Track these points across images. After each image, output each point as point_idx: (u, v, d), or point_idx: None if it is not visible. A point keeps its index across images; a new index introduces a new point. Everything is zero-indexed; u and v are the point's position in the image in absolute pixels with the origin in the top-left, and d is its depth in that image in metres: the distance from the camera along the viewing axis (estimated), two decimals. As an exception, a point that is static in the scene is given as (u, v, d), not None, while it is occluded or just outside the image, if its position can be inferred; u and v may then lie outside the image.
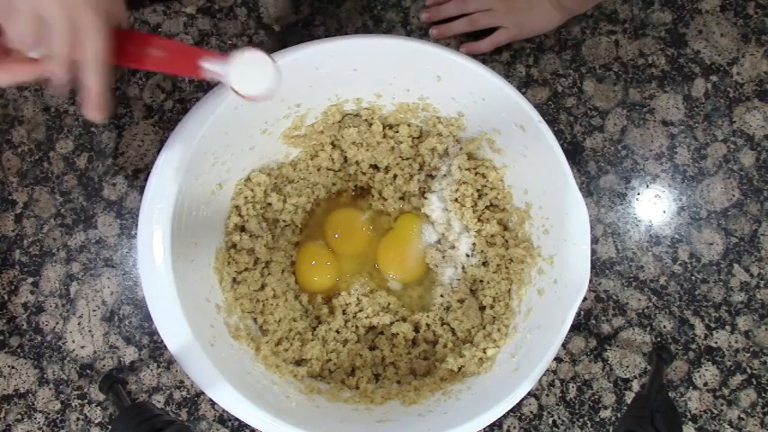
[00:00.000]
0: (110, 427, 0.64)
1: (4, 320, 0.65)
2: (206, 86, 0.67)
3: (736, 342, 0.67)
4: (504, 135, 0.58)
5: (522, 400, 0.53)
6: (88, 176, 0.66)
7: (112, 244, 0.66)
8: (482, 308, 0.62)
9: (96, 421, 0.64)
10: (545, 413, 0.66)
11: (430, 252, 0.64)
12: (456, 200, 0.62)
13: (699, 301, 0.68)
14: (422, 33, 0.69)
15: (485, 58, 0.69)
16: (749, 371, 0.67)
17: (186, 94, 0.67)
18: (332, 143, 0.63)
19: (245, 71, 0.43)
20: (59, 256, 0.66)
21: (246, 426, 0.64)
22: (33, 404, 0.64)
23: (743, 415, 0.67)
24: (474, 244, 0.63)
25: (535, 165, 0.56)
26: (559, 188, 0.53)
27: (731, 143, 0.69)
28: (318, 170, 0.64)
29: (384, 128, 0.63)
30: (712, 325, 0.67)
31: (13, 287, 0.65)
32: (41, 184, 0.66)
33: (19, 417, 0.64)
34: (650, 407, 0.53)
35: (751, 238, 0.68)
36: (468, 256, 0.63)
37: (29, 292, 0.65)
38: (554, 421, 0.66)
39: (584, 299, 0.64)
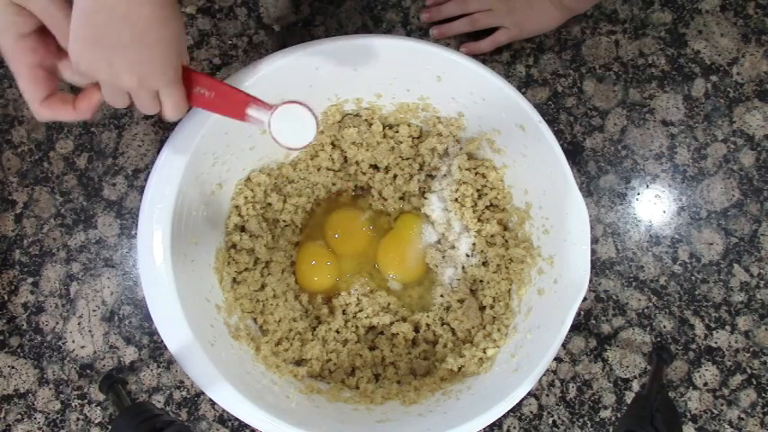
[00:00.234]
0: (110, 427, 0.64)
1: (4, 320, 0.65)
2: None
3: (736, 342, 0.67)
4: (504, 135, 0.58)
5: (522, 400, 0.53)
6: (88, 176, 0.66)
7: (112, 244, 0.66)
8: (482, 308, 0.62)
9: (96, 421, 0.64)
10: (545, 413, 0.66)
11: (430, 252, 0.64)
12: (456, 200, 0.62)
13: (699, 301, 0.68)
14: (422, 33, 0.69)
15: (485, 58, 0.69)
16: (749, 371, 0.67)
17: (186, 94, 0.67)
18: (332, 143, 0.63)
19: (287, 123, 0.45)
20: (59, 256, 0.66)
21: (246, 426, 0.64)
22: (33, 404, 0.64)
23: (743, 415, 0.67)
24: (474, 244, 0.63)
25: (535, 165, 0.56)
26: (559, 188, 0.53)
27: (731, 143, 0.69)
28: (318, 170, 0.64)
29: (384, 128, 0.63)
30: (712, 325, 0.67)
31: (13, 287, 0.65)
32: (41, 184, 0.66)
33: (19, 417, 0.64)
34: (650, 407, 0.53)
35: (751, 238, 0.68)
36: (468, 256, 0.63)
37: (29, 292, 0.65)
38: (554, 421, 0.66)
39: (584, 299, 0.64)
